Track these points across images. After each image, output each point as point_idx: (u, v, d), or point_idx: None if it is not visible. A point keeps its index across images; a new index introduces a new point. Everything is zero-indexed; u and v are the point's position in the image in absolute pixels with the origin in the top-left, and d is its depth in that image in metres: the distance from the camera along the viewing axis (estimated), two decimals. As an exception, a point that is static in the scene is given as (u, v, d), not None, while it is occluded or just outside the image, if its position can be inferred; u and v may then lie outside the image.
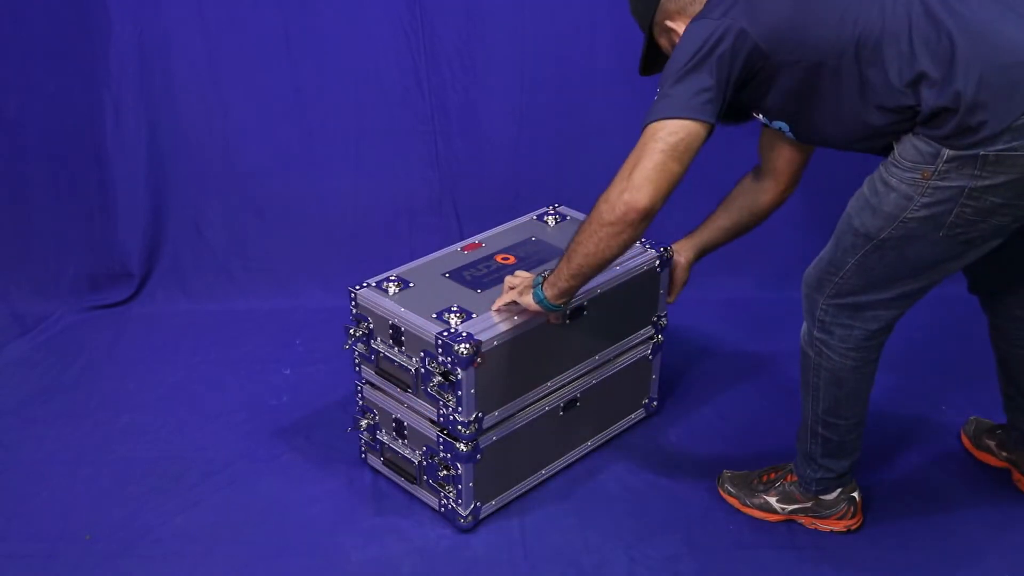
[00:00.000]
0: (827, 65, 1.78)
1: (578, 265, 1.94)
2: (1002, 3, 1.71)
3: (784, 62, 1.80)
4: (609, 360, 2.41)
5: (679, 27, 1.93)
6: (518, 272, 2.16)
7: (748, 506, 2.23)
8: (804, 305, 2.02)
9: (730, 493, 2.26)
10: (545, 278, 2.03)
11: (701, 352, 2.87)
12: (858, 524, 2.18)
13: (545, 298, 2.02)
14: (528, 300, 2.04)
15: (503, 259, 2.38)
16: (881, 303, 1.90)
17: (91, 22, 2.98)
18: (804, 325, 2.05)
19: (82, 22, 2.98)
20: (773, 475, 2.24)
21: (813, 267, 1.99)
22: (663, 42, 2.03)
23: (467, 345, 2.02)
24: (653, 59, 2.07)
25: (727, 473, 2.29)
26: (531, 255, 2.39)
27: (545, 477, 2.36)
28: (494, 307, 2.13)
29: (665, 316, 2.49)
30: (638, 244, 2.41)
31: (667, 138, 1.77)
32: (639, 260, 2.38)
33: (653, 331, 2.48)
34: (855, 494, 2.17)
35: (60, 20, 2.98)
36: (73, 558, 2.17)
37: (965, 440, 2.43)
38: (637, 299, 2.40)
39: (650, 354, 2.50)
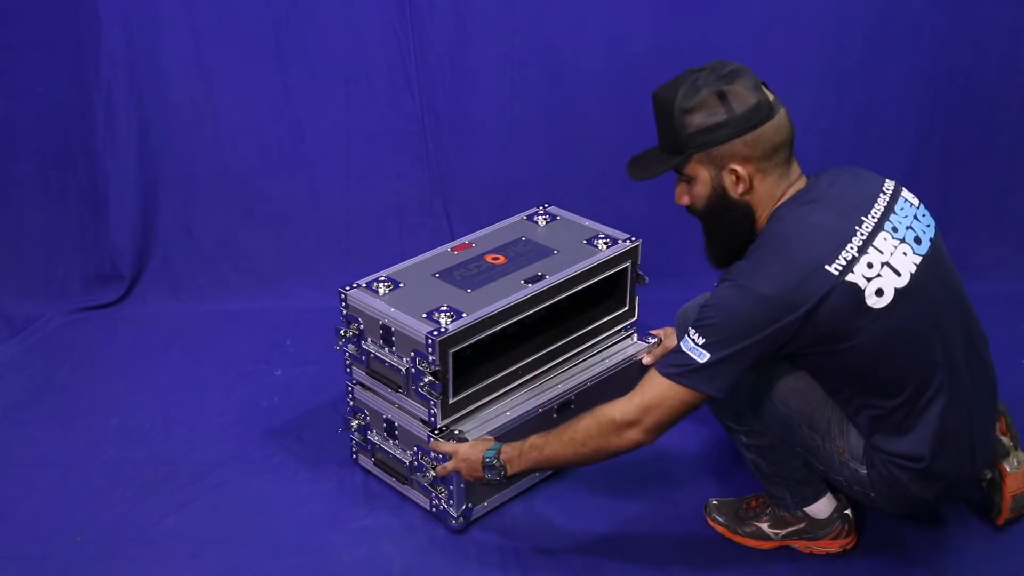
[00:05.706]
0: None
1: (548, 459, 1.98)
2: None
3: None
4: (601, 362, 2.43)
5: (745, 171, 1.80)
6: (461, 451, 2.09)
7: (739, 534, 2.17)
8: None
9: (718, 522, 2.20)
10: (499, 452, 2.01)
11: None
12: (853, 543, 2.12)
13: (501, 465, 2.01)
14: (477, 472, 2.04)
15: (493, 259, 2.38)
16: None
17: (81, 23, 2.98)
18: None
19: (72, 23, 2.98)
20: (755, 503, 2.19)
21: None
22: (703, 172, 1.84)
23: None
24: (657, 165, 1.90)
25: (714, 501, 2.23)
26: (521, 255, 2.40)
27: (538, 479, 2.36)
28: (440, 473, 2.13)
29: None
30: (628, 336, 2.52)
31: (686, 399, 1.82)
32: (629, 351, 2.47)
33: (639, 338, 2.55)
34: (848, 511, 2.12)
35: (50, 21, 2.97)
36: (64, 560, 2.17)
37: None
38: (620, 384, 2.41)
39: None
